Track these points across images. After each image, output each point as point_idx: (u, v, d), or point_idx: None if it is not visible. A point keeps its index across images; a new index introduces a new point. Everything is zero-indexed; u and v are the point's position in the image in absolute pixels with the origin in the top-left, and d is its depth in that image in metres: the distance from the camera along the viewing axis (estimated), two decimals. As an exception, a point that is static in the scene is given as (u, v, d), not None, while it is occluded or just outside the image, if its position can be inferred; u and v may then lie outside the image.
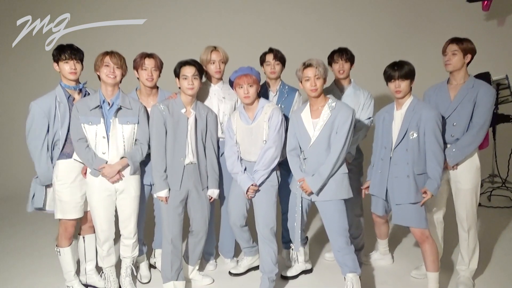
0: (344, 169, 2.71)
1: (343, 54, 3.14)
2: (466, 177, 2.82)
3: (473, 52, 2.81)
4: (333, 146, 2.65)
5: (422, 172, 2.67)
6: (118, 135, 2.72)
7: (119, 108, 2.71)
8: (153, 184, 2.90)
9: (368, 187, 2.95)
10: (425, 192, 2.64)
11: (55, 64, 2.75)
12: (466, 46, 2.79)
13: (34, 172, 2.77)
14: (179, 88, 2.83)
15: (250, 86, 2.77)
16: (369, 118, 3.16)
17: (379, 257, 3.33)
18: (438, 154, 2.63)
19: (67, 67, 2.71)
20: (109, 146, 2.70)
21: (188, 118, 2.80)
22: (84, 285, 2.98)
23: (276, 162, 2.82)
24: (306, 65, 2.67)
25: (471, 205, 2.85)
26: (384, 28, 5.86)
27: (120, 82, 2.75)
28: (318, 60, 2.69)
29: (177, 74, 2.80)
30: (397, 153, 2.71)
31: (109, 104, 2.71)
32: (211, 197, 2.92)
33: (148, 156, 2.85)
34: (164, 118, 2.76)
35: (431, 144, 2.63)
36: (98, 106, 2.68)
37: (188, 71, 2.75)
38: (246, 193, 2.83)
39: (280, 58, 3.18)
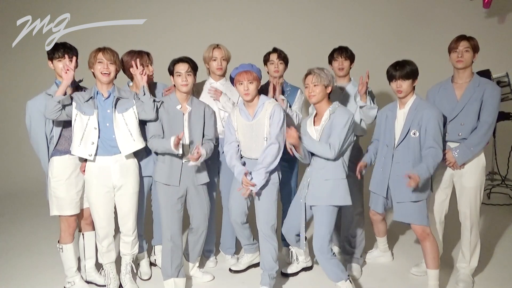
0: (342, 174, 2.67)
1: (343, 52, 3.15)
2: (472, 176, 2.82)
3: (478, 51, 2.82)
4: (331, 139, 2.60)
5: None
6: (121, 125, 2.70)
7: (117, 100, 2.70)
8: (151, 178, 2.92)
9: (365, 165, 2.94)
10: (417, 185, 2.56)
11: (50, 62, 2.75)
12: (475, 44, 2.80)
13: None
14: (174, 86, 2.84)
15: (250, 83, 2.77)
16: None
17: (379, 254, 3.34)
18: (435, 154, 2.62)
19: (61, 65, 2.69)
20: (116, 137, 2.67)
21: (184, 114, 2.81)
22: (85, 281, 2.98)
23: (278, 159, 2.78)
24: (306, 74, 2.69)
25: (475, 203, 2.85)
26: (385, 26, 5.85)
27: (115, 78, 2.74)
28: (320, 68, 2.68)
29: (171, 71, 2.81)
30: (399, 151, 2.72)
31: (103, 95, 2.70)
32: (198, 151, 2.71)
33: (144, 148, 2.83)
34: (160, 115, 2.78)
35: (430, 143, 2.62)
36: (91, 97, 2.67)
37: (182, 68, 2.76)
38: (242, 184, 2.76)
39: (284, 58, 3.20)
